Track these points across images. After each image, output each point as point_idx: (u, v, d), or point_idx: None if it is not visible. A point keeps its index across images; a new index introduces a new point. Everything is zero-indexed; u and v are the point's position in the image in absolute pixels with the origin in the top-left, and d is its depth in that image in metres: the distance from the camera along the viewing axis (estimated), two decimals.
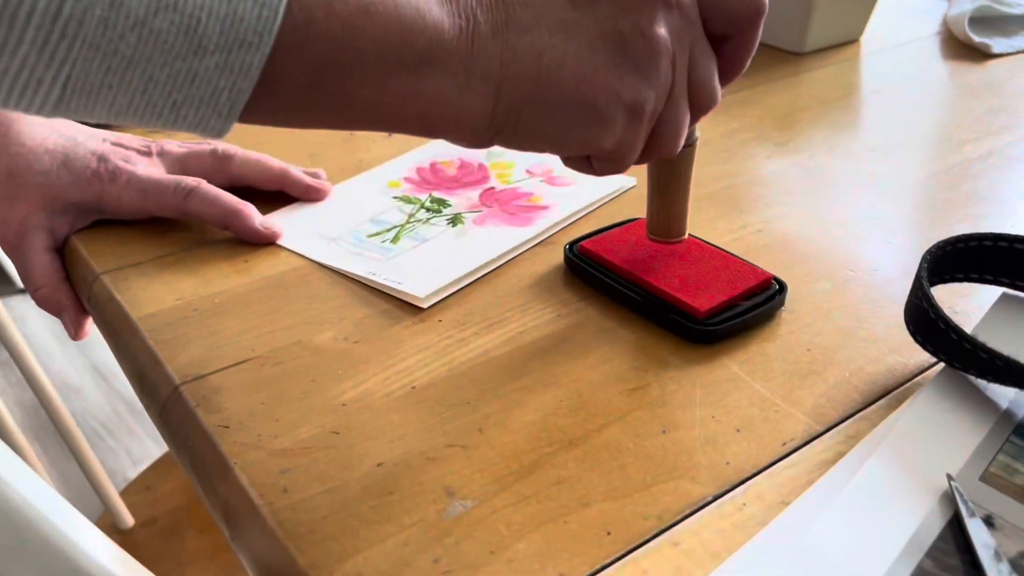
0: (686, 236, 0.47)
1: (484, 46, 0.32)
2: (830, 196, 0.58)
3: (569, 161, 0.40)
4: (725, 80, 0.40)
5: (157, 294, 0.48)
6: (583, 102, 0.34)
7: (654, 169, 0.45)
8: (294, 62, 0.29)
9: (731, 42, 0.39)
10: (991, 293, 0.46)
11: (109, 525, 0.95)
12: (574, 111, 0.34)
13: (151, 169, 0.53)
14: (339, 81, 0.30)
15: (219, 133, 0.29)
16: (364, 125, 0.33)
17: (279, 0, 0.27)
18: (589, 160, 0.39)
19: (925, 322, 0.39)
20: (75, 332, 0.53)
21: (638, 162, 0.39)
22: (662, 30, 0.35)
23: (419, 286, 0.47)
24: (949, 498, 0.33)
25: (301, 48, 0.29)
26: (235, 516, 0.35)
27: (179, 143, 0.57)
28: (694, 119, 0.39)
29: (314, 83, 0.30)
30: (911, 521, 0.32)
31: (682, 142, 0.39)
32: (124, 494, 1.00)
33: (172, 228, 0.54)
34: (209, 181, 0.54)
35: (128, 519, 0.94)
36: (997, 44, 0.86)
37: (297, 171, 0.57)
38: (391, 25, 0.30)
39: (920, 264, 0.41)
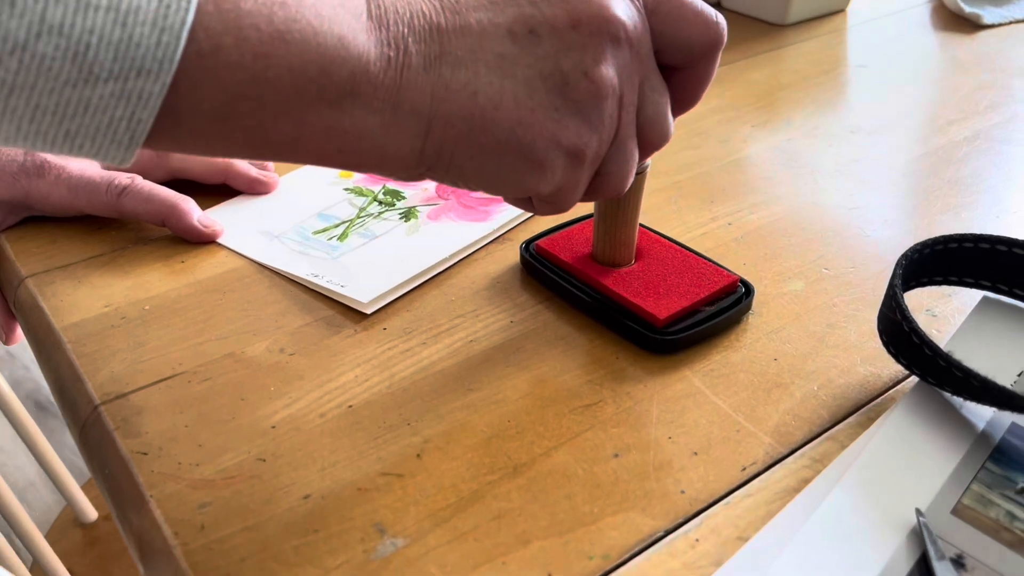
0: (633, 263, 0.45)
1: (414, 80, 0.29)
2: (807, 184, 0.55)
3: (508, 199, 0.37)
4: (678, 112, 0.37)
5: (84, 300, 0.45)
6: (519, 146, 0.32)
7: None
8: (201, 92, 0.26)
9: (685, 72, 0.36)
10: (971, 294, 0.43)
11: (71, 519, 0.92)
12: (510, 155, 0.32)
13: (83, 164, 0.50)
14: (252, 113, 0.27)
15: (122, 162, 0.26)
16: (282, 158, 0.30)
17: (181, 24, 0.24)
18: (529, 199, 0.36)
19: (898, 334, 0.36)
20: (5, 337, 0.51)
21: (583, 200, 0.36)
22: (608, 70, 0.32)
23: (363, 290, 0.44)
24: (918, 535, 0.30)
25: (208, 77, 0.25)
26: (148, 552, 0.33)
27: None
28: (644, 156, 0.37)
29: (224, 115, 0.27)
30: (876, 562, 0.30)
31: (630, 182, 0.36)
32: (86, 487, 0.97)
33: (106, 225, 0.51)
34: (147, 176, 0.51)
35: (91, 513, 0.92)
36: (988, 14, 0.82)
37: (242, 163, 0.53)
38: (309, 55, 0.27)
39: (894, 270, 0.38)
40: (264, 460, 0.35)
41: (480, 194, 0.53)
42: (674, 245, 0.46)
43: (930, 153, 0.59)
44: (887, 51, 0.78)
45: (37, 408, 1.67)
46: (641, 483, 0.34)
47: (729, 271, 0.44)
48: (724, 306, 0.42)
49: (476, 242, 0.48)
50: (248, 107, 0.27)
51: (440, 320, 0.43)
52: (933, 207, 0.53)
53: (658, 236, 0.46)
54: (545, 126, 0.32)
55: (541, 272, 0.45)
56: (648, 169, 0.41)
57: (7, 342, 0.51)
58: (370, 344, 0.41)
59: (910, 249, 0.39)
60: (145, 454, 0.35)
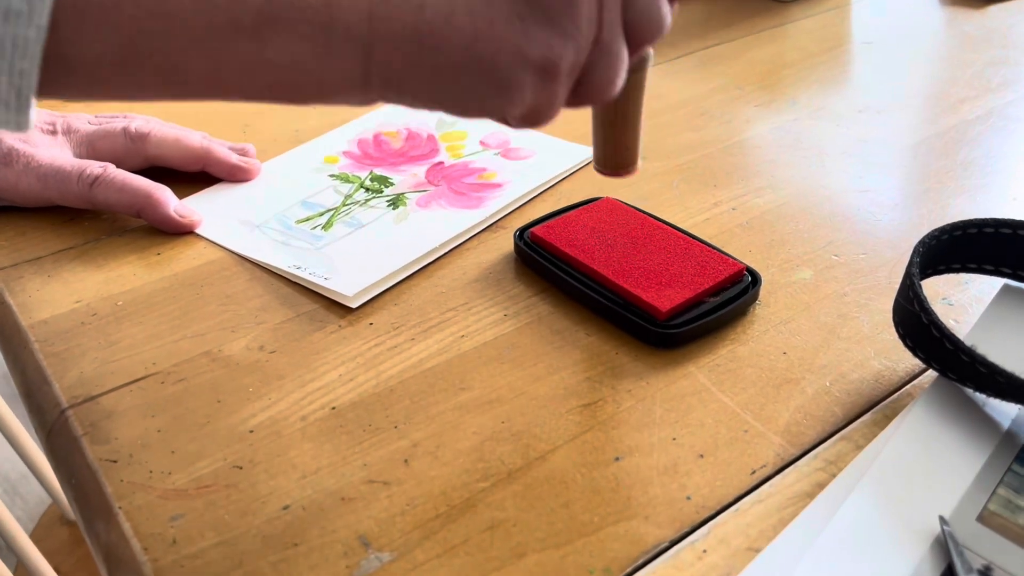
0: (638, 168, 0.39)
1: None
2: (814, 166, 0.53)
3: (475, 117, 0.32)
4: None
5: (54, 295, 0.42)
6: (479, 65, 0.27)
7: None
8: (90, 33, 0.23)
9: None
10: (990, 281, 0.41)
11: (57, 517, 0.90)
12: (469, 76, 0.27)
13: (54, 151, 0.48)
14: (158, 52, 0.24)
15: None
16: (209, 97, 0.26)
17: None
18: (504, 117, 0.31)
19: (916, 327, 0.34)
20: None
21: (568, 107, 0.31)
22: None
23: (347, 283, 0.41)
24: (942, 544, 0.28)
25: (95, 15, 0.22)
26: (116, 567, 0.30)
27: (90, 118, 0.51)
28: (635, 52, 0.31)
29: (124, 57, 0.23)
30: (899, 574, 0.27)
31: (619, 85, 0.31)
32: None
33: (79, 216, 0.48)
34: (122, 164, 0.48)
35: None
36: None
37: (221, 148, 0.51)
38: None
39: (911, 259, 0.35)
40: (241, 468, 0.33)
41: (473, 179, 0.50)
42: (676, 232, 0.43)
43: (941, 133, 0.57)
44: (893, 27, 0.75)
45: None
46: (644, 489, 0.32)
47: (734, 259, 0.41)
48: (730, 296, 0.40)
49: (468, 230, 0.46)
50: (151, 46, 0.23)
51: (430, 314, 0.41)
52: (946, 189, 0.50)
53: (659, 222, 0.44)
54: (508, 38, 0.27)
55: (536, 262, 0.43)
56: (650, 61, 0.35)
57: None
58: (355, 340, 0.39)
59: (927, 236, 0.37)
60: (114, 462, 0.33)
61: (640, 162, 0.38)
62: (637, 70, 0.34)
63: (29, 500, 1.43)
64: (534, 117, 0.30)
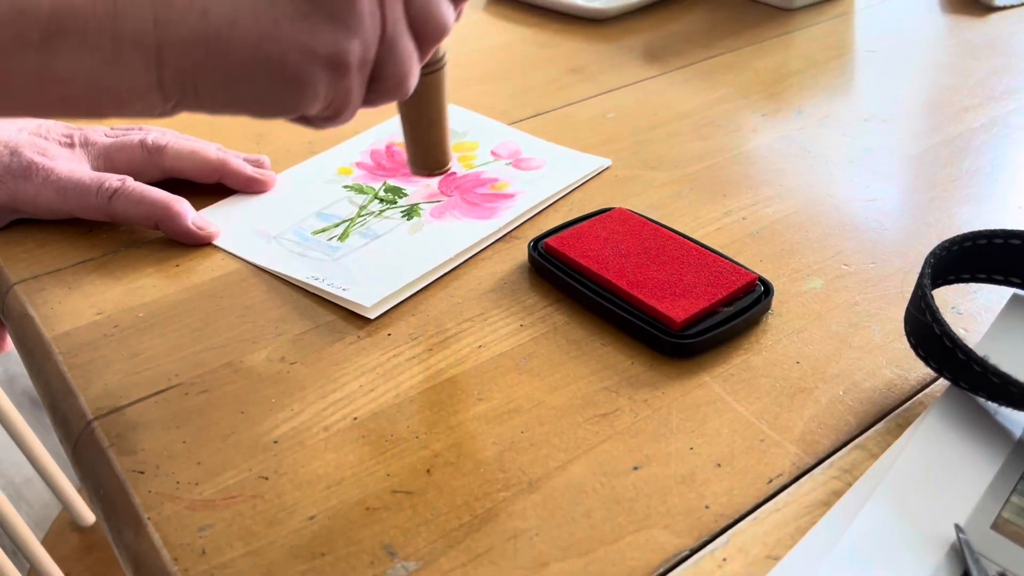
0: (449, 167, 0.41)
1: (129, 4, 0.26)
2: (822, 175, 0.54)
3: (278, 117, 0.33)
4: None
5: (75, 307, 0.43)
6: (269, 65, 0.28)
7: (399, 102, 0.39)
8: None
9: None
10: (998, 290, 0.41)
11: (68, 523, 0.91)
12: (261, 77, 0.28)
13: (72, 164, 0.48)
14: None
15: None
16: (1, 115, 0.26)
17: None
18: (303, 118, 0.33)
19: (928, 337, 0.35)
20: None
21: (366, 106, 0.33)
22: None
23: (366, 294, 0.42)
24: (958, 552, 0.29)
25: None
26: None
27: (106, 130, 0.52)
28: (425, 51, 0.33)
29: None
30: None
31: (413, 81, 0.33)
32: (83, 490, 0.96)
33: (98, 228, 0.49)
34: (139, 176, 0.49)
35: (88, 516, 0.90)
36: None
37: (237, 160, 0.51)
38: None
39: (922, 270, 0.36)
40: (266, 478, 0.33)
41: (485, 189, 0.51)
42: (688, 242, 0.44)
43: (946, 142, 0.57)
44: (896, 35, 0.76)
45: (32, 404, 1.65)
46: (663, 498, 0.32)
47: (747, 269, 0.42)
48: (743, 306, 0.40)
49: (481, 241, 0.46)
50: None
51: (447, 324, 0.41)
52: (952, 198, 0.51)
53: (672, 232, 0.45)
54: (294, 37, 0.28)
55: (551, 272, 0.43)
56: (445, 63, 0.37)
57: None
58: (374, 351, 0.40)
59: (938, 247, 0.37)
60: (142, 473, 0.34)
61: (452, 160, 0.40)
62: (432, 70, 0.37)
63: (35, 505, 1.43)
64: (332, 114, 0.31)
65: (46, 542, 0.89)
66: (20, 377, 1.70)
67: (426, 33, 0.32)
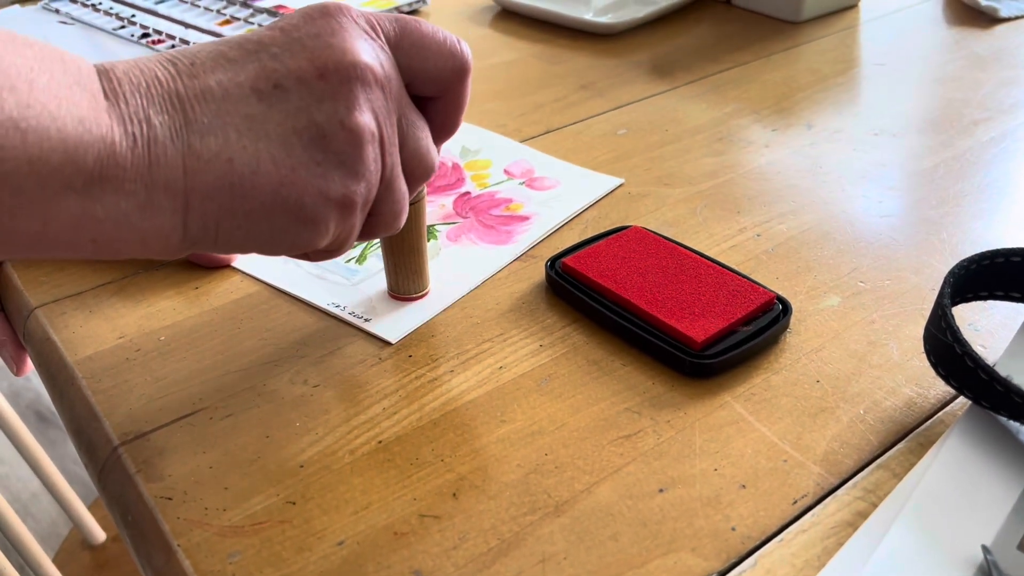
0: (428, 291, 0.45)
1: (163, 154, 0.28)
2: (834, 190, 0.54)
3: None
4: (439, 141, 0.37)
5: (97, 331, 0.43)
6: (286, 207, 0.31)
7: None
8: None
9: (439, 100, 0.36)
10: (1015, 306, 0.42)
11: (79, 541, 0.91)
12: (279, 217, 0.31)
13: None
14: None
15: None
16: (25, 255, 0.28)
17: None
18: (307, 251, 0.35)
19: (949, 356, 0.35)
20: (16, 368, 0.49)
21: (360, 240, 0.37)
22: (364, 116, 0.31)
23: (388, 328, 0.42)
24: (985, 573, 0.29)
25: None
26: None
27: None
28: (413, 189, 0.37)
29: None
30: None
31: (404, 218, 0.37)
32: (93, 507, 0.96)
33: None
34: None
35: (99, 534, 0.90)
36: (1005, 7, 0.81)
37: None
38: (50, 142, 0.25)
39: (941, 289, 0.36)
40: (294, 503, 0.34)
41: (500, 211, 0.51)
42: (705, 261, 0.44)
43: (957, 156, 0.58)
44: (903, 47, 0.76)
45: (38, 419, 1.66)
46: (690, 520, 0.33)
47: (765, 287, 0.42)
48: (762, 325, 0.41)
49: (500, 267, 0.47)
50: None
51: (467, 345, 0.42)
52: (965, 213, 0.51)
53: (688, 251, 0.45)
54: (310, 183, 0.31)
55: (569, 292, 0.44)
56: (424, 196, 0.41)
57: (18, 373, 0.49)
58: (396, 373, 0.40)
59: (957, 266, 0.37)
60: (170, 499, 0.34)
61: (429, 285, 0.44)
62: (414, 200, 0.40)
63: (42, 521, 1.44)
64: (335, 248, 0.35)
65: (57, 560, 0.89)
66: (24, 391, 1.70)
67: (416, 174, 0.36)
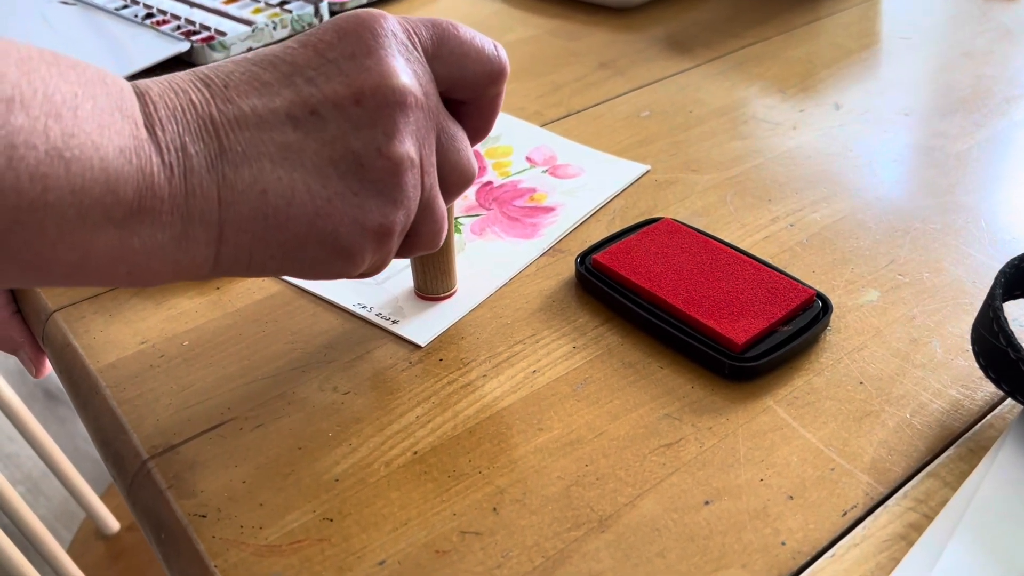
0: (455, 290, 0.44)
1: (199, 184, 0.27)
2: (867, 176, 0.52)
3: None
4: (473, 144, 0.36)
5: (118, 336, 0.42)
6: (321, 238, 0.30)
7: None
8: None
9: (473, 106, 0.35)
10: None
11: (93, 531, 0.90)
12: (313, 248, 0.30)
13: None
14: (29, 244, 0.24)
15: None
16: (58, 284, 0.27)
17: None
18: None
19: (1001, 359, 0.34)
20: (35, 370, 0.48)
21: (398, 258, 0.36)
22: (404, 143, 0.30)
23: (417, 331, 0.41)
24: None
25: None
26: None
27: None
28: (451, 200, 0.36)
29: None
30: None
31: (444, 236, 0.36)
32: (106, 497, 0.95)
33: None
34: None
35: (112, 524, 0.90)
36: None
37: None
38: (93, 172, 0.24)
39: (992, 289, 0.35)
40: (331, 520, 0.33)
41: (523, 201, 0.50)
42: (740, 255, 0.43)
43: (992, 137, 0.56)
44: (928, 19, 0.74)
45: (47, 397, 1.65)
46: (738, 534, 0.32)
47: (804, 284, 0.41)
48: (802, 325, 0.39)
49: (527, 261, 0.46)
50: (24, 237, 0.24)
51: (498, 348, 0.41)
52: (1004, 199, 0.50)
53: (722, 245, 0.44)
54: (346, 213, 0.30)
55: (601, 290, 0.42)
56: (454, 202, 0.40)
57: (37, 375, 0.48)
58: (427, 379, 0.39)
59: (1007, 264, 0.36)
60: (204, 516, 0.33)
61: (457, 284, 0.44)
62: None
63: (53, 499, 1.44)
64: (371, 272, 0.34)
65: (72, 551, 0.89)
66: None
67: (456, 185, 0.35)
